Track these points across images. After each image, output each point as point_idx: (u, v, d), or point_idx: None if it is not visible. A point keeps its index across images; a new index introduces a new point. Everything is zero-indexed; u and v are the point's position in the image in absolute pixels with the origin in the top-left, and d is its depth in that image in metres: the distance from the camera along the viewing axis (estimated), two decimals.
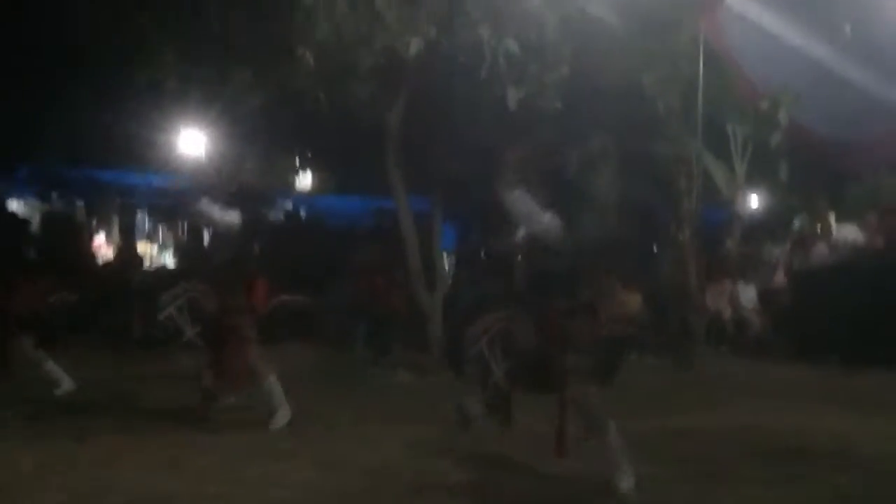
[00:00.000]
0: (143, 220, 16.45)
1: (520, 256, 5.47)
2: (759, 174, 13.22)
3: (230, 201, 6.70)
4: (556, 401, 4.90)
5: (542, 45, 8.30)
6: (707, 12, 10.60)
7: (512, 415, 5.21)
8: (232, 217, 6.58)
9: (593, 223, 5.42)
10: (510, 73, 8.35)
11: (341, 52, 8.20)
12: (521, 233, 5.36)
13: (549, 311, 4.99)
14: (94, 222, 14.24)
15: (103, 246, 14.46)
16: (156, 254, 15.28)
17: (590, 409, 4.90)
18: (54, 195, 13.80)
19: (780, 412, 7.18)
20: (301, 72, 8.28)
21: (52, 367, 7.55)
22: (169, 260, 14.88)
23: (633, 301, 11.43)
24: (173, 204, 15.26)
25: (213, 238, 6.68)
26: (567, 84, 8.77)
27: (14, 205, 14.31)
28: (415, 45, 8.05)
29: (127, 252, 12.34)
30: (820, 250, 11.62)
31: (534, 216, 5.13)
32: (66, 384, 7.53)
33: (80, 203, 14.46)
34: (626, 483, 4.87)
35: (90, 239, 13.65)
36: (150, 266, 13.72)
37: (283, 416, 6.46)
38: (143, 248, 14.59)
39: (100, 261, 13.42)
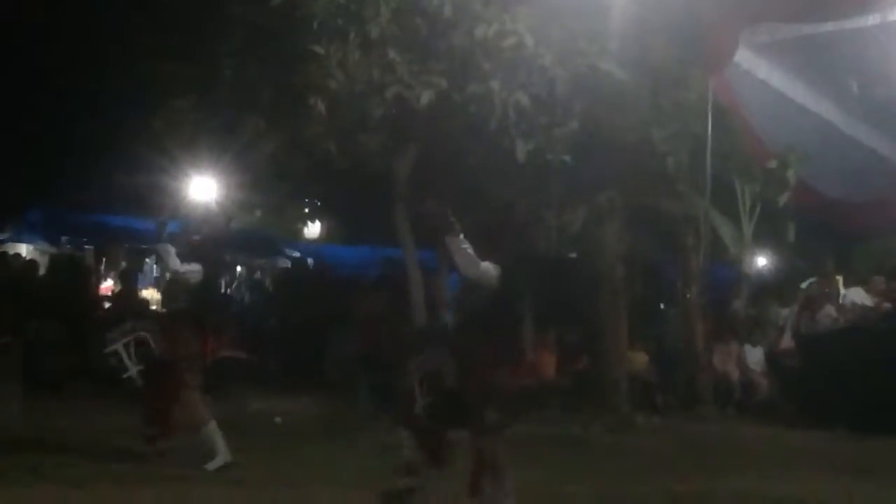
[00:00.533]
0: (151, 266, 16.43)
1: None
2: (766, 233, 13.18)
3: (191, 250, 6.72)
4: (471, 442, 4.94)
5: (552, 98, 8.36)
6: (716, 69, 10.67)
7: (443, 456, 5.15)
8: (192, 266, 6.62)
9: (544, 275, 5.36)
10: (520, 126, 8.39)
11: (353, 101, 8.26)
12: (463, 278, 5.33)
13: (479, 358, 4.98)
14: (103, 267, 14.21)
15: (111, 290, 14.43)
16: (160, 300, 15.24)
17: (496, 459, 4.94)
18: (63, 239, 13.84)
19: (784, 479, 7.04)
20: (313, 121, 8.33)
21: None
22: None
23: (638, 359, 11.38)
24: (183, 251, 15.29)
25: (169, 283, 6.75)
26: (576, 138, 8.80)
27: (24, 248, 14.38)
28: (426, 97, 8.11)
29: (125, 296, 12.29)
30: (828, 313, 11.51)
31: (471, 263, 5.06)
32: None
33: (89, 247, 14.49)
34: None
35: (97, 282, 13.60)
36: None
37: (219, 461, 6.43)
38: (149, 293, 14.53)
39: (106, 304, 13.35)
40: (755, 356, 11.86)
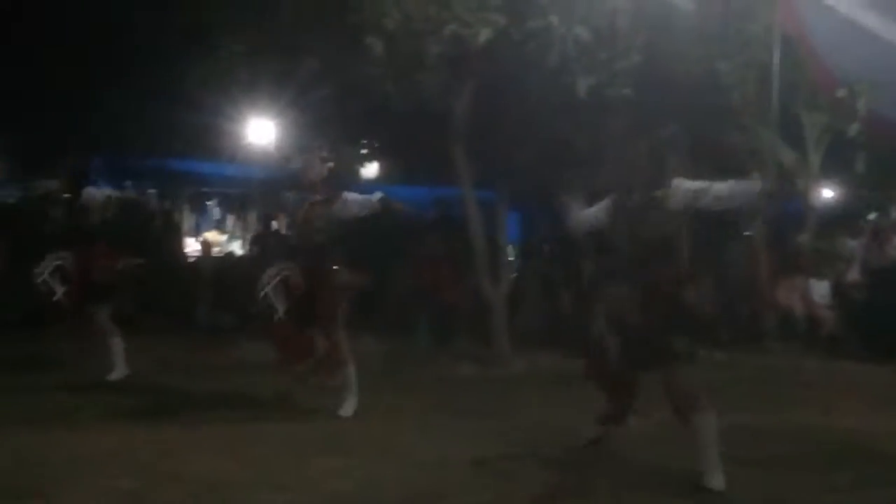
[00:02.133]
0: (213, 208, 16.68)
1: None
2: (834, 165, 12.82)
3: (314, 188, 6.64)
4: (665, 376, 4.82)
5: (614, 32, 8.16)
6: None
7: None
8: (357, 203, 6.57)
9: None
10: (580, 61, 8.22)
11: (410, 40, 8.15)
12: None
13: (658, 284, 4.84)
14: (167, 210, 14.45)
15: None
16: (225, 242, 15.48)
17: (691, 389, 4.83)
18: (128, 184, 14.03)
19: (850, 413, 6.97)
20: (369, 61, 8.25)
21: (117, 344, 7.62)
22: (238, 249, 15.05)
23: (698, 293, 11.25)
24: (245, 193, 15.48)
25: (303, 221, 6.63)
26: (638, 72, 8.60)
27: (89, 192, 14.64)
28: (484, 34, 7.98)
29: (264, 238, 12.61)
30: None
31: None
32: (120, 370, 7.60)
33: (152, 191, 14.71)
34: (717, 483, 4.77)
35: (167, 228, 13.86)
36: (219, 254, 13.89)
37: (351, 405, 6.46)
38: (212, 237, 14.78)
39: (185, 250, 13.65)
40: (821, 290, 11.63)
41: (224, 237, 15.73)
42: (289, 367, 6.53)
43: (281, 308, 6.36)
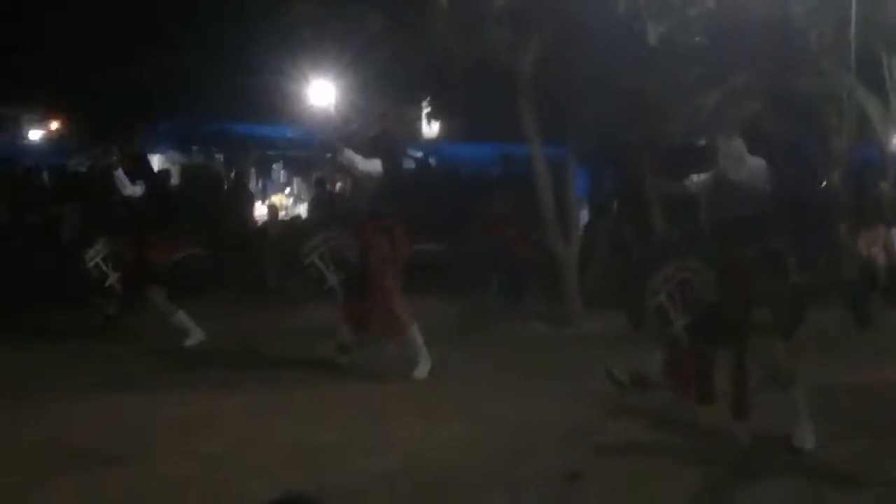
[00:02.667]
0: (278, 172, 16.74)
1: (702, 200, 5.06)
2: None
3: (372, 150, 6.51)
4: (734, 357, 4.67)
5: None
6: None
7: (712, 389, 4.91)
8: (374, 165, 6.39)
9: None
10: (650, 8, 7.97)
11: None
12: (701, 176, 5.00)
13: (735, 261, 4.70)
14: (233, 174, 14.53)
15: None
16: (290, 205, 15.55)
17: (777, 364, 4.69)
18: (194, 148, 14.15)
19: None
20: (433, 15, 8.09)
21: (181, 318, 7.66)
22: (303, 212, 15.11)
23: None
24: (309, 156, 15.48)
25: (354, 187, 6.53)
26: (711, 18, 8.30)
27: (156, 158, 14.82)
28: None
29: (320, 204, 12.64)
30: None
31: (740, 166, 4.76)
32: (196, 335, 7.65)
33: (218, 156, 14.80)
34: (808, 443, 4.66)
35: (239, 194, 13.95)
36: (285, 218, 13.96)
37: (424, 367, 6.40)
38: (278, 200, 14.85)
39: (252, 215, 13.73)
40: None
41: (290, 201, 15.80)
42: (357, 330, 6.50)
43: (332, 278, 6.31)
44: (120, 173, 7.56)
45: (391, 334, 6.42)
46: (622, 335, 8.12)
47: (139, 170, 7.89)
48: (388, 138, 6.70)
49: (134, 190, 7.58)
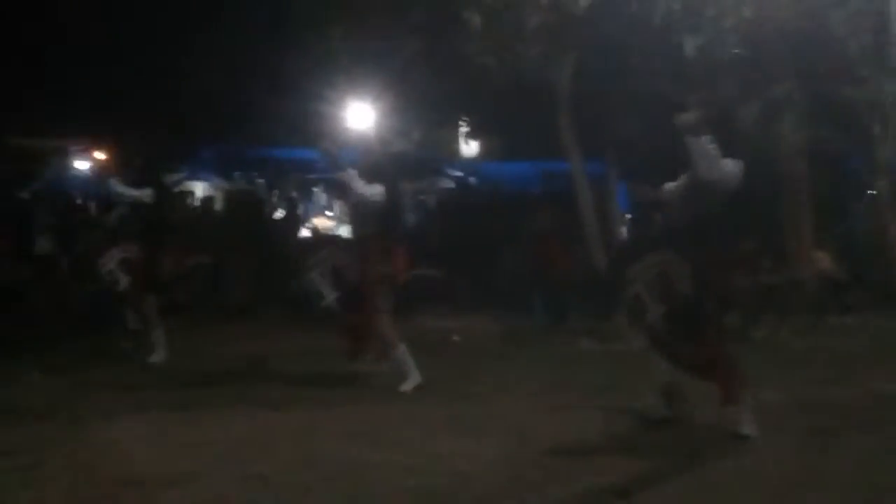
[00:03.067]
0: (319, 195, 16.87)
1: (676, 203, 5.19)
2: None
3: (373, 174, 6.66)
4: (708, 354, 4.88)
5: None
6: None
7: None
8: (374, 189, 6.55)
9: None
10: (686, 20, 7.95)
11: (508, 12, 8.02)
12: (681, 180, 5.11)
13: (710, 259, 4.85)
14: (290, 199, 14.70)
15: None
16: (333, 227, 15.65)
17: (731, 369, 4.90)
18: (236, 174, 14.34)
19: None
20: (469, 36, 8.16)
21: (160, 334, 7.83)
22: (345, 233, 15.21)
23: (825, 258, 10.79)
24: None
25: (355, 209, 6.69)
26: (748, 28, 8.26)
27: (200, 186, 15.05)
28: None
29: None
30: None
31: (713, 166, 4.88)
32: (161, 354, 7.79)
33: (260, 181, 14.99)
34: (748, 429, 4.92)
35: (289, 217, 14.12)
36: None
37: (412, 381, 6.53)
38: (321, 223, 14.97)
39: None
40: None
41: (332, 223, 15.91)
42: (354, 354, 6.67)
43: (329, 294, 6.42)
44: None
45: (382, 354, 6.60)
46: None
47: (149, 176, 8.13)
48: (388, 163, 6.87)
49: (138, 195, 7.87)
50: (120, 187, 8.04)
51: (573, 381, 6.91)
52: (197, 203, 13.49)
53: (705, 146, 4.85)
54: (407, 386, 6.53)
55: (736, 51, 8.59)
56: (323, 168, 15.51)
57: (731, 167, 4.95)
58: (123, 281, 7.77)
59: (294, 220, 13.88)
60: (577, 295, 10.35)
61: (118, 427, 5.57)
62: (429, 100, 11.18)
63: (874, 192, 11.54)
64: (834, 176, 11.56)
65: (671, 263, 5.01)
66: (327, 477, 4.53)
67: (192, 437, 5.30)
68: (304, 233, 14.22)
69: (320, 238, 13.15)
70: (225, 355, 7.89)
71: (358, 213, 6.71)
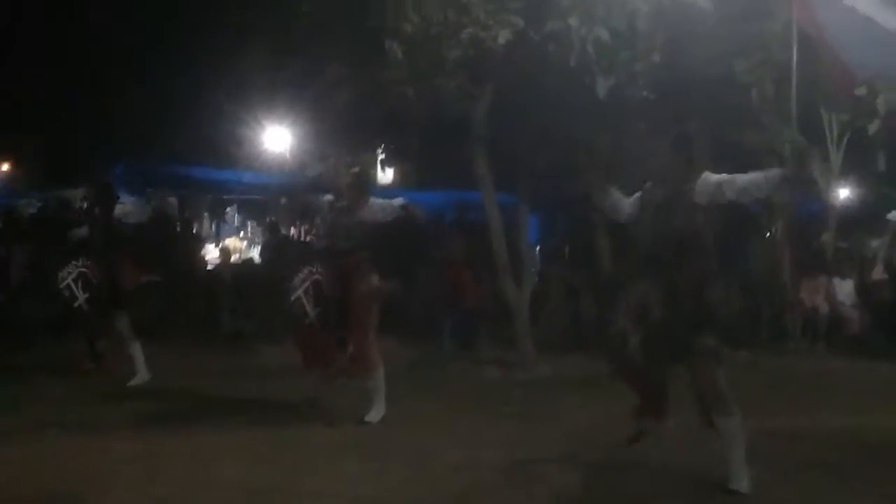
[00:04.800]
0: (232, 215, 16.74)
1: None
2: (855, 164, 12.74)
3: (340, 194, 6.65)
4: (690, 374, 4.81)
5: (633, 32, 8.11)
6: None
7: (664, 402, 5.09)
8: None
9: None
10: (600, 62, 8.18)
11: (429, 44, 8.14)
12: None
13: (682, 281, 4.79)
14: (187, 217, 14.50)
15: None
16: (244, 249, 15.53)
17: (718, 389, 4.81)
18: (148, 191, 14.08)
19: (882, 412, 6.91)
20: (389, 65, 8.25)
21: (138, 351, 7.67)
22: (256, 255, 15.09)
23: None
24: (263, 200, 15.51)
25: (327, 226, 6.62)
26: (658, 72, 8.57)
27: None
28: (503, 36, 7.96)
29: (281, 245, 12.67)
30: None
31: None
32: (141, 377, 7.64)
33: (172, 199, 14.77)
34: (744, 486, 4.76)
35: (185, 236, 13.92)
36: (238, 261, 13.94)
37: (378, 411, 6.46)
38: (232, 243, 14.83)
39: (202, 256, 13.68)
40: (845, 289, 11.57)
41: (244, 244, 15.79)
42: (314, 371, 6.53)
43: (312, 312, 6.36)
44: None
45: (363, 373, 6.47)
46: (574, 379, 8.31)
47: (109, 199, 7.94)
48: (363, 183, 6.84)
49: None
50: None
51: (475, 409, 7.02)
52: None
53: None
54: (374, 416, 6.42)
55: (645, 93, 8.86)
56: (239, 189, 15.47)
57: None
58: (81, 298, 7.55)
59: (193, 240, 13.72)
60: (485, 323, 10.51)
61: (20, 449, 5.44)
62: (347, 126, 11.21)
63: (770, 234, 12.04)
64: (733, 216, 12.01)
65: (642, 293, 4.94)
66: (227, 499, 4.52)
67: (90, 459, 5.21)
68: (213, 253, 14.06)
69: (228, 259, 13.02)
70: (126, 374, 7.76)
71: (337, 227, 6.61)
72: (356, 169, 6.73)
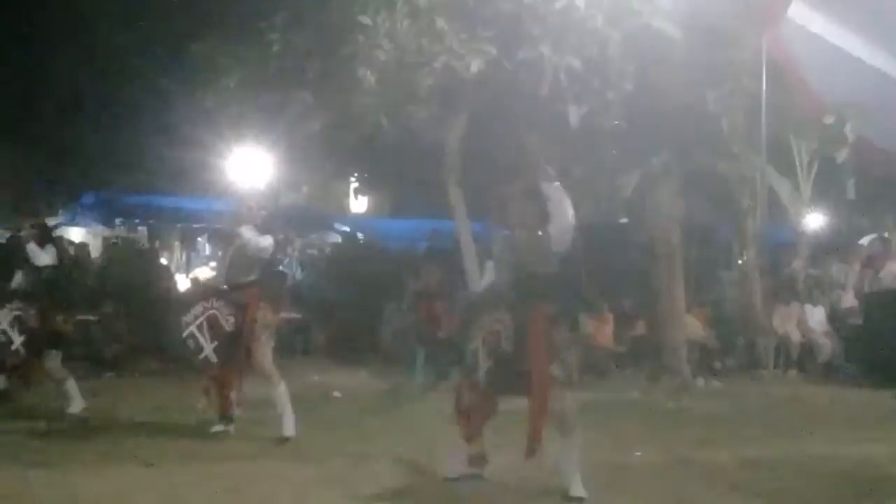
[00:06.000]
0: (203, 245, 16.57)
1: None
2: (825, 192, 12.89)
3: (264, 226, 6.75)
4: (531, 403, 4.97)
5: (605, 61, 8.17)
6: (769, 25, 10.36)
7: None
8: (266, 241, 6.66)
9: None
10: (572, 91, 8.23)
11: (402, 72, 8.15)
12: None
13: (536, 316, 4.98)
14: (157, 247, 14.36)
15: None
16: (215, 278, 15.35)
17: (567, 414, 5.03)
18: (118, 221, 13.96)
19: (854, 440, 6.91)
20: (362, 93, 8.25)
21: (71, 385, 7.63)
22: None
23: (696, 324, 11.20)
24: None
25: (238, 257, 6.71)
26: (629, 101, 8.62)
27: (76, 231, 14.54)
28: (475, 65, 7.99)
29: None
30: (890, 270, 11.26)
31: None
32: (78, 403, 7.58)
33: (142, 228, 14.64)
34: (580, 491, 5.02)
35: (152, 267, 13.76)
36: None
37: (290, 423, 6.56)
38: (202, 273, 14.66)
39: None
40: (817, 316, 11.63)
41: (214, 273, 15.61)
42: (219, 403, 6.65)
43: (207, 346, 6.39)
44: (32, 245, 7.60)
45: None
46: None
47: (46, 238, 7.88)
48: (274, 218, 6.95)
49: (44, 259, 7.63)
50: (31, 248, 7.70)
51: (451, 441, 6.91)
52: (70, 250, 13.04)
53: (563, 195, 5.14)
54: (288, 429, 6.53)
55: (617, 122, 8.91)
56: (210, 218, 15.35)
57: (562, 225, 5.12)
58: (17, 341, 7.47)
59: (161, 270, 13.57)
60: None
61: None
62: (319, 154, 11.18)
63: (742, 262, 12.11)
64: (705, 245, 12.08)
65: (503, 322, 5.07)
66: None
67: (56, 496, 5.07)
68: (185, 283, 13.90)
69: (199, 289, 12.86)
70: (98, 408, 7.59)
71: (239, 259, 6.66)
72: (258, 209, 6.81)
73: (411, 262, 12.19)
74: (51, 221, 11.23)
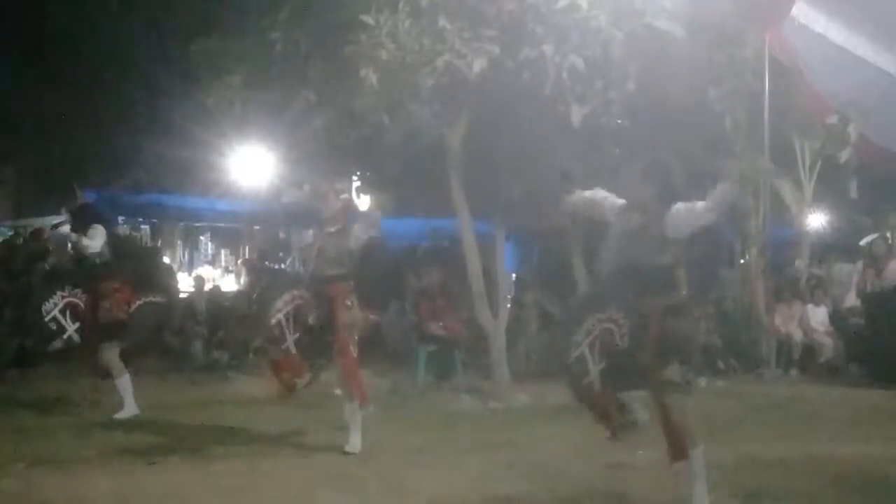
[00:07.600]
0: (206, 244, 16.62)
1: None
2: (827, 191, 12.88)
3: (330, 220, 6.56)
4: (657, 403, 4.71)
5: (608, 60, 8.15)
6: (772, 25, 10.38)
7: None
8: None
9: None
10: (574, 90, 8.21)
11: (404, 71, 8.14)
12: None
13: (650, 311, 4.71)
14: (159, 245, 14.38)
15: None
16: (218, 277, 15.38)
17: (683, 422, 4.73)
18: (120, 219, 13.97)
19: (856, 440, 6.92)
20: (364, 92, 8.24)
21: (126, 383, 7.48)
22: (232, 284, 14.95)
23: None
24: (237, 228, 15.40)
25: (318, 253, 6.53)
26: (632, 100, 8.61)
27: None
28: (478, 64, 7.97)
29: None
30: (892, 269, 11.24)
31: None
32: (130, 409, 7.45)
33: (145, 227, 14.65)
34: None
35: (154, 265, 13.77)
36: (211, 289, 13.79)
37: (356, 441, 6.40)
38: (205, 272, 14.69)
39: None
40: (819, 316, 11.62)
41: (217, 272, 15.65)
42: (287, 390, 6.49)
43: (290, 337, 6.30)
44: (74, 236, 7.50)
45: (356, 397, 6.44)
46: (551, 408, 8.25)
47: (90, 219, 7.75)
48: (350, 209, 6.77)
49: (94, 244, 7.51)
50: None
51: (452, 440, 6.94)
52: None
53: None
54: (353, 446, 6.34)
55: (619, 121, 8.90)
56: (212, 217, 15.37)
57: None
58: (70, 329, 7.35)
59: (163, 269, 13.57)
60: (461, 352, 10.45)
61: None
62: (322, 153, 11.18)
63: (744, 261, 12.10)
64: (707, 244, 12.05)
65: (616, 321, 4.80)
66: None
67: (64, 493, 5.09)
68: (188, 282, 13.92)
69: (202, 288, 12.87)
70: (111, 406, 7.61)
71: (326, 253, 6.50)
72: (345, 195, 6.67)
73: (414, 260, 12.19)
74: (53, 220, 11.21)
